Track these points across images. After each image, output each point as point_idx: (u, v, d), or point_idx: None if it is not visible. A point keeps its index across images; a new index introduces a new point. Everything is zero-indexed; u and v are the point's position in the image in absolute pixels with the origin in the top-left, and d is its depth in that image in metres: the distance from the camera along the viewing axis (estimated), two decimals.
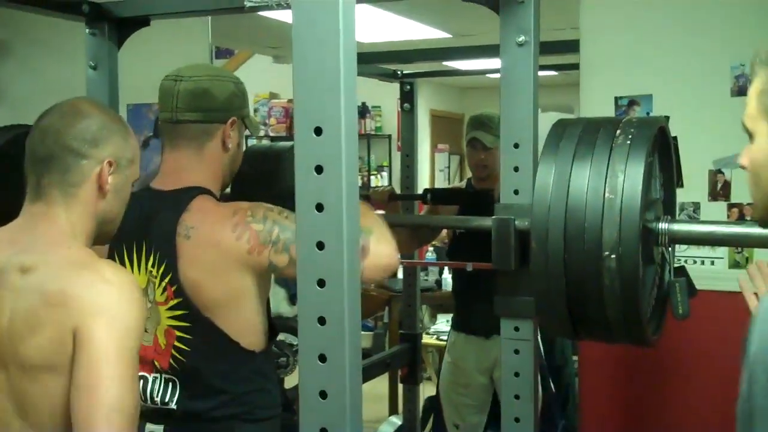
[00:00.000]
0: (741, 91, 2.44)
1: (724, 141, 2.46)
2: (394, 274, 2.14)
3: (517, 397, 2.00)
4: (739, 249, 2.41)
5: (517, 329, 2.00)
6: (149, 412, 1.80)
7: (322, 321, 1.16)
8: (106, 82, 2.40)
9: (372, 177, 8.15)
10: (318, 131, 1.13)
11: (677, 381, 2.61)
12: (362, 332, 7.37)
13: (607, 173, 1.62)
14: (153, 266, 1.79)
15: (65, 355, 1.37)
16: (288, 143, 3.29)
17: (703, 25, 2.53)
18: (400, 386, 4.32)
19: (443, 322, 5.75)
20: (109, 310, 1.38)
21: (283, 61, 5.53)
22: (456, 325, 3.61)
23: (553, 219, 1.64)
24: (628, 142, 1.65)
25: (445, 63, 5.03)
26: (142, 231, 1.80)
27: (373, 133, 8.11)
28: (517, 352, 2.00)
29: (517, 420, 2.00)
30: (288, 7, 2.09)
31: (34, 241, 1.47)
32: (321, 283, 1.15)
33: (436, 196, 3.46)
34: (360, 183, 8.11)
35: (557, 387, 3.47)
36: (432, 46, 4.97)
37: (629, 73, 2.61)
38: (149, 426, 1.81)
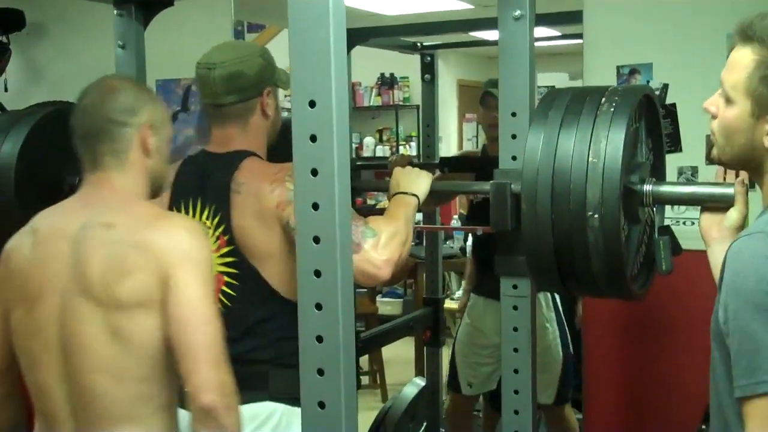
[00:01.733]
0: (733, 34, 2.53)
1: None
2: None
3: (515, 350, 2.14)
4: None
5: (515, 287, 2.14)
6: None
7: (317, 274, 1.30)
8: (134, 61, 2.56)
9: (401, 147, 8.28)
10: (312, 104, 1.27)
11: (674, 336, 2.73)
12: (392, 299, 7.55)
13: (591, 139, 1.73)
14: (208, 218, 2.00)
15: (155, 295, 1.60)
16: None
17: None
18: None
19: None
20: (189, 255, 1.62)
21: None
22: (475, 289, 3.75)
23: (541, 182, 1.76)
24: (612, 109, 1.76)
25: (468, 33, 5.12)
26: (198, 187, 2.02)
27: (401, 103, 8.23)
28: (515, 308, 2.14)
29: (516, 371, 2.14)
30: None
31: (105, 203, 1.70)
32: (316, 239, 1.29)
33: (453, 165, 3.59)
34: (389, 152, 8.24)
35: (575, 349, 3.59)
36: (454, 17, 5.05)
37: (630, 43, 2.70)
38: None
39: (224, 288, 2.01)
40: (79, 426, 1.66)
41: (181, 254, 1.62)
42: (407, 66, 7.58)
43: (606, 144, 1.72)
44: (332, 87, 1.27)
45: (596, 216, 1.71)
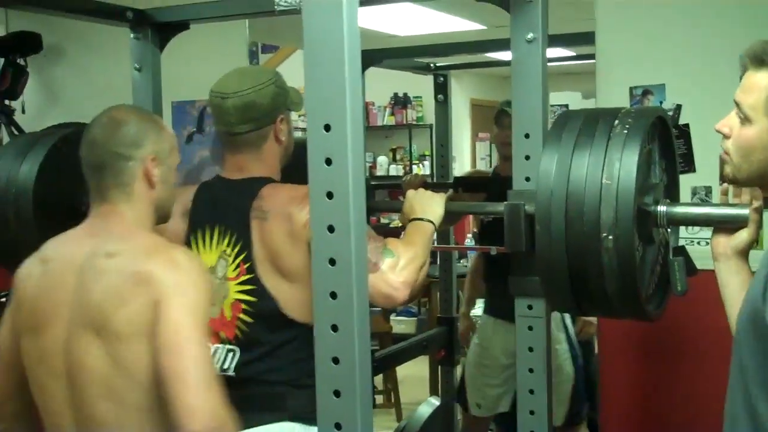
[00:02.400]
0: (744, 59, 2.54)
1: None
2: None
3: (531, 370, 2.14)
4: None
5: (530, 307, 2.14)
6: None
7: (333, 296, 1.32)
8: (150, 83, 2.59)
9: (414, 166, 8.30)
10: (327, 127, 1.29)
11: (690, 356, 2.72)
12: (406, 318, 7.54)
13: (604, 161, 1.74)
14: (228, 245, 2.02)
15: (149, 324, 1.60)
16: None
17: (712, 18, 2.62)
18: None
19: (482, 307, 5.89)
20: (179, 285, 1.63)
21: None
22: (485, 309, 3.76)
23: (555, 203, 1.77)
24: (625, 131, 1.77)
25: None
26: (215, 215, 2.04)
27: (414, 123, 8.26)
28: (530, 328, 2.14)
29: (531, 392, 2.14)
30: None
31: (110, 234, 1.72)
32: (332, 261, 1.31)
33: (466, 185, 3.61)
34: (402, 171, 8.26)
35: (587, 372, 3.58)
36: (467, 38, 5.08)
37: (643, 64, 2.70)
38: None
39: (241, 315, 2.02)
40: None
41: (172, 284, 1.62)
42: (420, 86, 7.62)
43: (619, 166, 1.73)
44: (347, 111, 1.28)
45: (610, 237, 1.72)
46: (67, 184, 2.51)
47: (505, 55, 5.36)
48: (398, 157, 8.45)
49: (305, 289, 1.98)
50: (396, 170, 8.36)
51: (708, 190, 2.63)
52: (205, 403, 1.55)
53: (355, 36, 1.30)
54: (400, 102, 8.21)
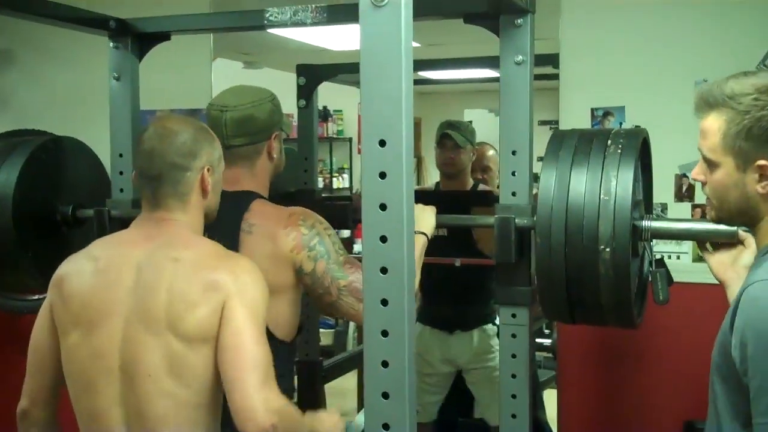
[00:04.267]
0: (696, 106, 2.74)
1: (689, 147, 2.69)
2: None
3: (513, 376, 2.24)
4: None
5: (514, 315, 2.24)
6: None
7: (384, 302, 1.38)
8: (129, 92, 2.59)
9: (333, 179, 8.36)
10: (382, 143, 1.36)
11: (650, 360, 2.89)
12: (323, 330, 7.60)
13: (601, 178, 1.87)
14: None
15: (214, 328, 1.67)
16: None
17: (670, 45, 2.80)
18: None
19: None
20: (245, 291, 1.70)
21: (254, 66, 5.73)
22: (421, 318, 3.82)
23: (555, 218, 1.89)
24: (619, 150, 1.90)
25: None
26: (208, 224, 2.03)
27: (335, 136, 8.32)
28: (514, 336, 2.24)
29: (513, 396, 2.24)
30: (304, 24, 2.33)
31: (170, 239, 1.77)
32: (384, 270, 1.37)
33: (418, 199, 3.70)
34: (322, 184, 8.31)
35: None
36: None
37: (604, 86, 2.87)
38: None
39: None
40: None
41: (237, 289, 1.70)
42: (341, 99, 7.69)
43: (616, 183, 1.86)
44: (402, 127, 1.36)
45: (608, 249, 1.85)
46: (45, 192, 2.51)
47: (435, 74, 5.49)
48: (318, 169, 8.48)
49: (285, 306, 2.07)
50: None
51: (664, 206, 2.80)
52: (262, 403, 1.62)
53: (410, 54, 1.37)
54: (321, 115, 8.26)
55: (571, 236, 1.88)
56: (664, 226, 2.01)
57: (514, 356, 2.25)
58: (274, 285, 1.99)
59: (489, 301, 3.50)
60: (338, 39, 5.45)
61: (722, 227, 1.86)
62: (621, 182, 1.87)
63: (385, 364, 1.39)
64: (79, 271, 1.80)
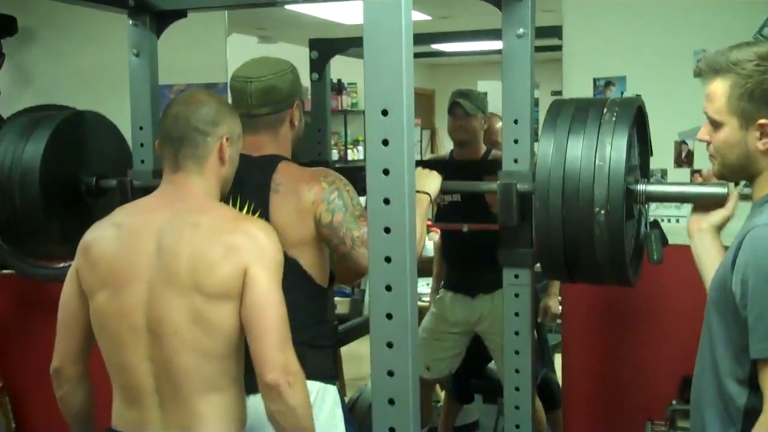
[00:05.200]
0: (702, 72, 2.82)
1: (688, 115, 2.83)
2: None
3: (516, 333, 2.36)
4: None
5: (516, 276, 2.35)
6: None
7: (388, 260, 1.50)
8: (147, 68, 2.70)
9: (348, 151, 8.47)
10: (384, 112, 1.47)
11: (648, 320, 3.01)
12: (340, 298, 7.74)
13: (597, 144, 1.97)
14: (248, 212, 2.18)
15: (236, 286, 1.79)
16: None
17: (670, 15, 2.89)
18: None
19: (424, 285, 6.11)
20: (264, 252, 1.83)
21: (269, 41, 5.83)
22: (446, 284, 3.96)
23: (553, 183, 1.99)
24: (614, 118, 2.00)
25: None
26: (238, 185, 2.16)
27: (349, 108, 8.41)
28: (516, 295, 2.35)
29: (516, 352, 2.36)
30: (316, 0, 2.43)
31: (188, 204, 1.89)
32: (387, 230, 1.48)
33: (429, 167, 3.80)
34: (337, 156, 8.42)
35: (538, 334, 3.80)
36: (416, 28, 5.27)
37: (606, 57, 2.96)
38: None
39: None
40: (164, 399, 1.85)
41: (257, 252, 1.83)
42: (354, 72, 7.77)
43: (611, 149, 1.96)
44: (403, 97, 1.46)
45: (602, 212, 1.95)
46: (69, 163, 2.63)
47: (445, 46, 5.55)
48: (333, 142, 8.58)
49: (316, 255, 2.21)
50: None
51: (663, 172, 2.90)
52: (282, 357, 1.77)
53: (410, 29, 1.47)
54: (335, 88, 8.34)
55: (568, 199, 1.98)
56: (657, 189, 2.11)
57: (517, 314, 2.36)
58: (301, 237, 2.17)
59: None
60: (351, 13, 5.55)
61: (712, 189, 1.97)
62: (615, 148, 1.96)
63: (389, 316, 1.50)
64: (104, 237, 1.92)
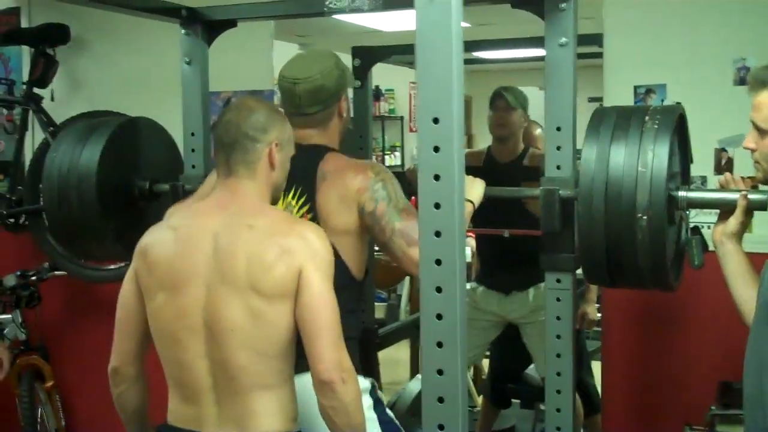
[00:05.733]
0: (741, 81, 2.86)
1: (728, 123, 2.87)
2: None
3: (558, 336, 2.41)
4: None
5: (558, 281, 2.40)
6: None
7: (438, 262, 1.55)
8: (199, 76, 2.79)
9: (386, 156, 8.54)
10: (436, 120, 1.53)
11: (687, 326, 3.04)
12: (377, 303, 7.79)
13: (639, 151, 2.02)
14: (294, 197, 2.26)
15: (292, 287, 1.87)
16: None
17: (709, 24, 2.92)
18: None
19: None
20: (317, 254, 1.91)
21: (308, 48, 5.93)
22: (480, 280, 3.94)
23: (596, 188, 2.04)
24: (656, 126, 2.05)
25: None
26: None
27: (386, 114, 8.49)
28: (558, 299, 2.41)
29: (558, 356, 2.41)
30: (361, 11, 2.50)
31: (242, 207, 1.96)
32: (438, 234, 1.54)
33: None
34: (375, 161, 8.49)
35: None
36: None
37: (646, 65, 3.00)
38: None
39: None
40: (220, 396, 1.92)
41: (310, 254, 1.90)
42: (392, 79, 7.86)
43: (653, 156, 2.01)
44: (453, 106, 1.52)
45: (645, 217, 2.00)
46: (124, 168, 2.73)
47: (488, 54, 5.58)
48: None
49: (355, 246, 2.28)
50: None
51: (704, 179, 2.93)
52: (336, 355, 1.85)
53: (460, 40, 1.53)
54: (373, 94, 8.42)
55: (611, 205, 2.03)
56: (698, 195, 2.16)
57: (558, 318, 2.41)
58: (344, 225, 2.24)
59: None
60: (390, 21, 5.63)
61: (756, 196, 2.03)
62: (657, 155, 2.01)
63: (439, 316, 1.56)
64: (162, 240, 1.99)
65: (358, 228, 2.26)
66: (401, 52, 4.06)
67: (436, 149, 1.53)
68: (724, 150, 2.93)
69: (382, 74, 7.59)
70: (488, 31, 5.40)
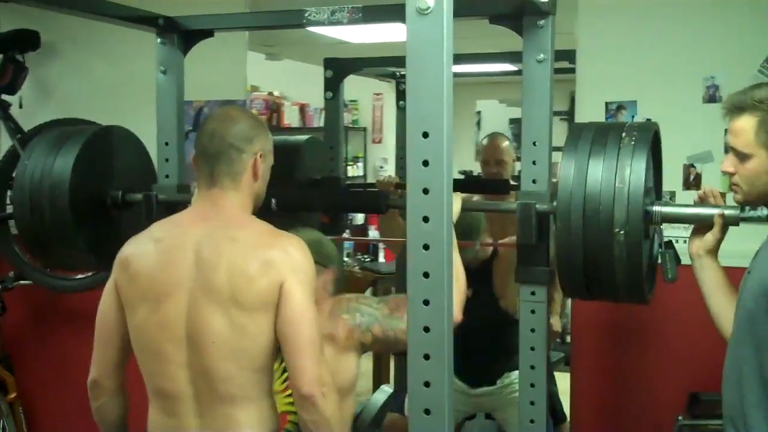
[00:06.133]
0: (711, 98, 2.93)
1: (697, 140, 2.94)
2: None
3: (532, 348, 2.43)
4: None
5: (533, 293, 2.43)
6: None
7: (426, 275, 1.57)
8: (174, 85, 2.77)
9: (348, 167, 8.55)
10: (425, 135, 1.54)
11: (656, 337, 3.09)
12: None
13: (616, 167, 2.05)
14: None
15: (274, 300, 1.87)
16: (302, 136, 3.69)
17: (680, 43, 3.00)
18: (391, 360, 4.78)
19: None
20: (298, 267, 1.91)
21: (275, 58, 5.93)
22: None
23: (574, 203, 2.07)
24: (633, 142, 2.08)
25: None
26: None
27: (350, 125, 8.50)
28: (533, 312, 2.43)
29: (532, 367, 2.43)
30: (340, 23, 2.51)
31: (225, 219, 1.96)
32: (426, 247, 1.56)
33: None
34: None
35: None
36: None
37: (617, 82, 3.06)
38: None
39: None
40: (201, 406, 1.91)
41: (292, 267, 1.90)
42: (355, 90, 7.86)
43: (630, 171, 2.04)
44: (444, 120, 1.54)
45: (622, 232, 2.03)
46: (97, 177, 2.70)
47: (456, 68, 5.64)
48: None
49: None
50: None
51: (672, 194, 2.99)
52: (316, 369, 1.85)
53: (450, 55, 1.55)
54: None
55: (589, 220, 2.06)
56: (672, 211, 2.20)
57: (533, 330, 2.43)
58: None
59: (513, 356, 2.95)
60: (356, 33, 5.65)
61: (729, 211, 2.07)
62: (634, 171, 2.05)
63: (426, 329, 1.58)
64: (143, 251, 1.98)
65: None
66: (372, 64, 4.10)
67: (425, 163, 1.55)
68: (692, 166, 2.99)
69: (345, 85, 7.59)
70: (458, 45, 5.44)
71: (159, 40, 2.75)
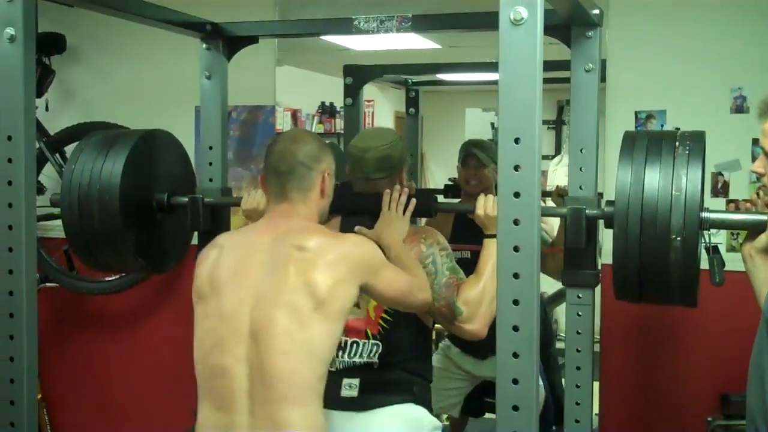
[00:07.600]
0: (738, 109, 3.02)
1: (724, 148, 3.03)
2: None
3: (578, 350, 2.50)
4: (735, 235, 2.99)
5: (579, 296, 2.50)
6: (348, 369, 2.41)
7: (516, 276, 1.62)
8: (219, 91, 2.82)
9: None
10: (517, 141, 1.60)
11: (686, 338, 3.17)
12: None
13: (673, 175, 2.13)
14: None
15: (342, 305, 2.02)
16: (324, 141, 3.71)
17: (708, 54, 3.08)
18: None
19: None
20: (369, 264, 2.10)
21: (276, 64, 5.95)
22: (452, 338, 3.68)
23: (631, 210, 2.13)
24: (687, 151, 2.16)
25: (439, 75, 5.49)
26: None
27: (342, 132, 8.53)
28: (579, 314, 2.50)
29: (578, 368, 2.50)
30: (390, 31, 2.56)
31: (291, 228, 2.08)
32: (516, 248, 1.61)
33: (455, 190, 3.87)
34: None
35: (552, 393, 3.50)
36: (424, 55, 5.44)
37: (647, 91, 3.14)
38: (346, 380, 2.40)
39: (383, 315, 2.43)
40: (254, 403, 1.96)
41: (363, 266, 2.08)
42: None
43: (686, 180, 2.12)
44: (535, 127, 1.60)
45: (679, 239, 2.10)
46: (144, 180, 2.73)
47: (456, 76, 5.69)
48: None
49: None
50: None
51: None
52: (427, 295, 2.31)
53: (541, 66, 1.61)
54: (327, 111, 8.44)
55: (646, 226, 2.12)
56: (720, 217, 2.27)
57: (579, 333, 2.50)
58: None
59: None
60: (358, 40, 5.69)
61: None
62: (690, 179, 2.12)
63: (515, 328, 1.63)
64: (208, 256, 2.13)
65: None
66: (392, 71, 4.15)
67: (517, 168, 1.60)
68: (720, 174, 3.08)
69: (337, 91, 7.59)
70: (457, 54, 5.50)
71: (204, 45, 2.79)
